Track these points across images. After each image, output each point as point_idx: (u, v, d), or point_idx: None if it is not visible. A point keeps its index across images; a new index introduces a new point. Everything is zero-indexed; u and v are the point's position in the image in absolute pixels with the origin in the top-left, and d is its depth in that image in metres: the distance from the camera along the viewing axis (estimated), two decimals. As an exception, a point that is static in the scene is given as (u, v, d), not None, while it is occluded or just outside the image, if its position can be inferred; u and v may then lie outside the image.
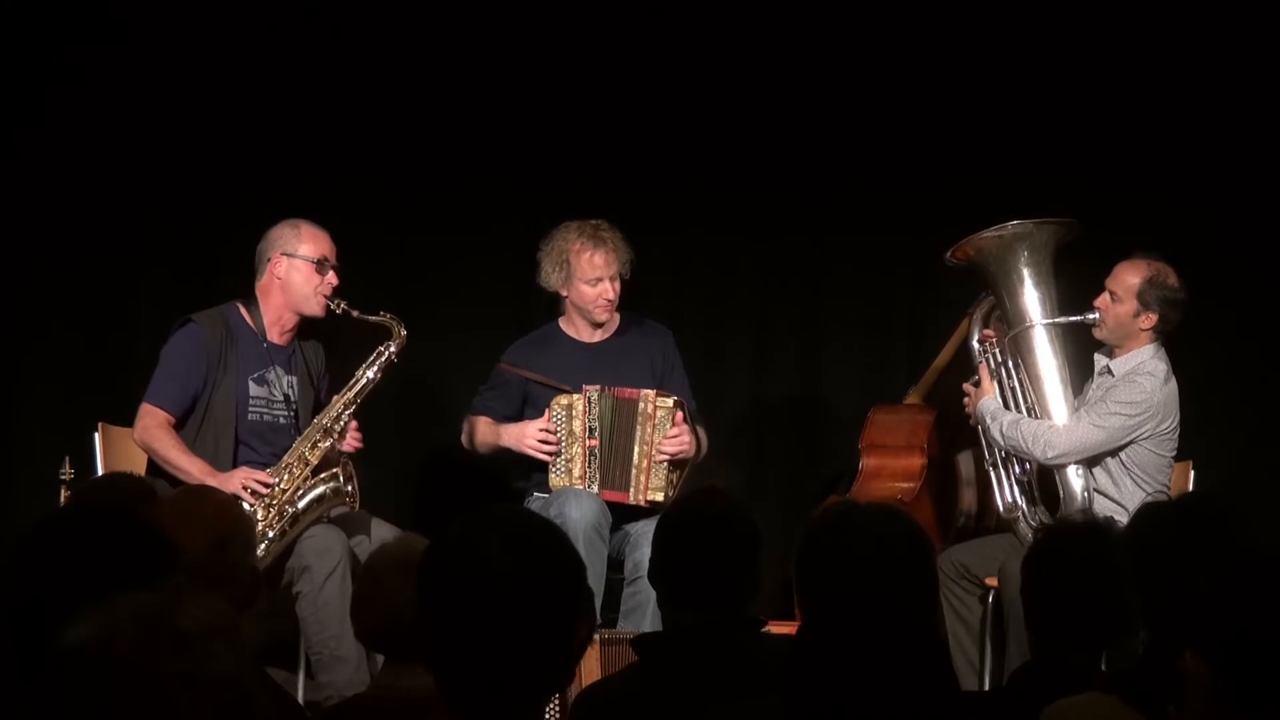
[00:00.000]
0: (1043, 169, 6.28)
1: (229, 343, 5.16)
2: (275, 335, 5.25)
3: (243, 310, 5.24)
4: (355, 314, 5.18)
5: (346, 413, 5.12)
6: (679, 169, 6.38)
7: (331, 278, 5.21)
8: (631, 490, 5.39)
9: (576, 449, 5.40)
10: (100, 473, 5.11)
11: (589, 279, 5.45)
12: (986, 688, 5.23)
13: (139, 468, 5.01)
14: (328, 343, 5.42)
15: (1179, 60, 6.24)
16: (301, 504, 5.01)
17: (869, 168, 6.40)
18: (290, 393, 5.24)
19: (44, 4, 6.02)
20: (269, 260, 5.23)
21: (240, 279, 5.48)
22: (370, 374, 5.15)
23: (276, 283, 5.22)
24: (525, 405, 5.53)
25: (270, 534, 4.95)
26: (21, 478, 5.92)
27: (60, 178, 6.05)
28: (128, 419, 5.26)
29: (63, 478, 5.07)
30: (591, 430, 5.39)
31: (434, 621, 2.30)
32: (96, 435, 5.24)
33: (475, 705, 2.27)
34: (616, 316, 5.61)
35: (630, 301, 5.60)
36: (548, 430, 5.39)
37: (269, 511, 4.97)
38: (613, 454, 5.41)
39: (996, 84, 6.31)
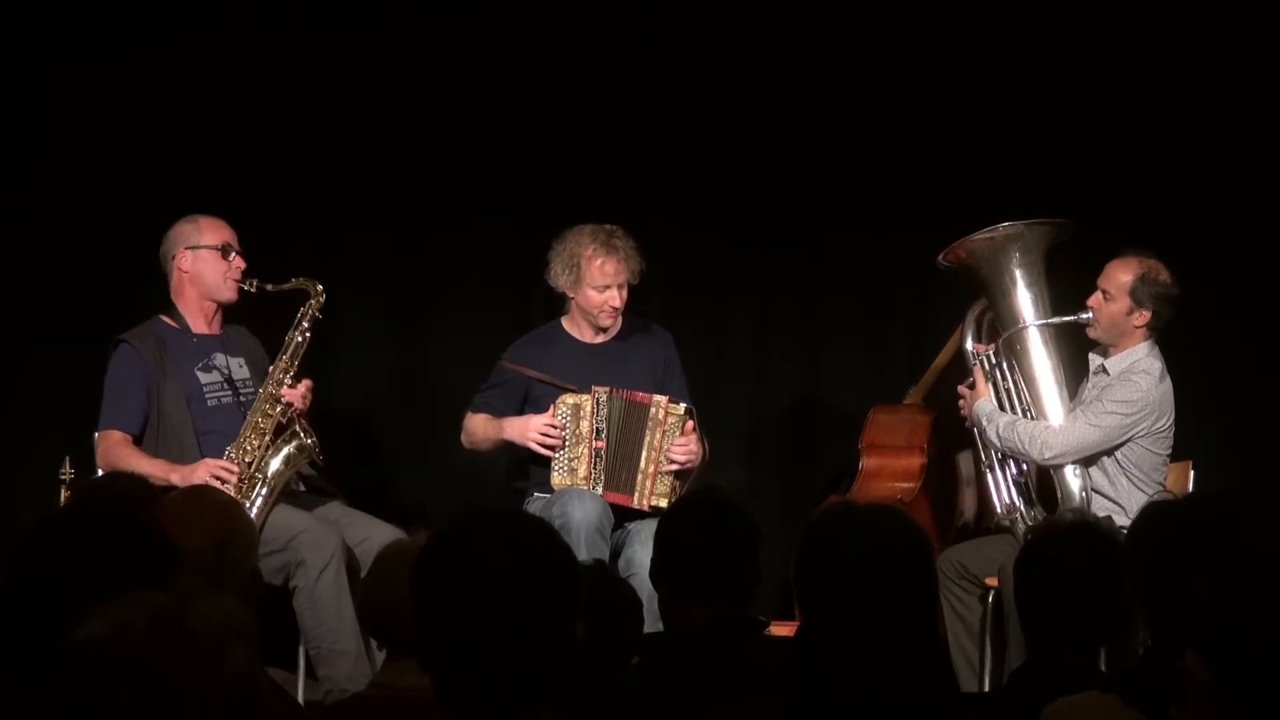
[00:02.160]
0: (1042, 168, 6.27)
1: (162, 351, 5.20)
2: (203, 327, 5.31)
3: (166, 320, 5.29)
4: (270, 287, 5.24)
5: (287, 376, 5.17)
6: (679, 169, 6.38)
7: (238, 261, 5.28)
8: (636, 494, 5.39)
9: (582, 449, 5.39)
10: (100, 473, 5.11)
11: (597, 285, 5.45)
12: (986, 688, 5.23)
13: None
14: (254, 329, 5.44)
15: (1175, 59, 6.24)
16: (271, 470, 5.08)
17: (869, 167, 6.40)
18: (238, 371, 5.29)
19: (44, 2, 6.02)
20: (174, 259, 5.29)
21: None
22: (299, 336, 5.22)
23: (186, 278, 5.28)
24: (526, 404, 5.52)
25: (253, 503, 5.00)
26: (21, 478, 5.92)
27: (61, 178, 6.05)
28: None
29: (63, 478, 5.08)
30: (599, 431, 5.39)
31: (430, 622, 2.30)
32: (96, 435, 5.24)
33: (471, 705, 2.27)
34: (620, 319, 5.61)
35: (631, 301, 5.60)
36: (552, 425, 5.39)
37: (241, 487, 5.01)
38: (619, 456, 5.41)
39: (996, 84, 6.31)
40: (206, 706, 1.86)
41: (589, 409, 5.39)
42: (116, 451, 5.10)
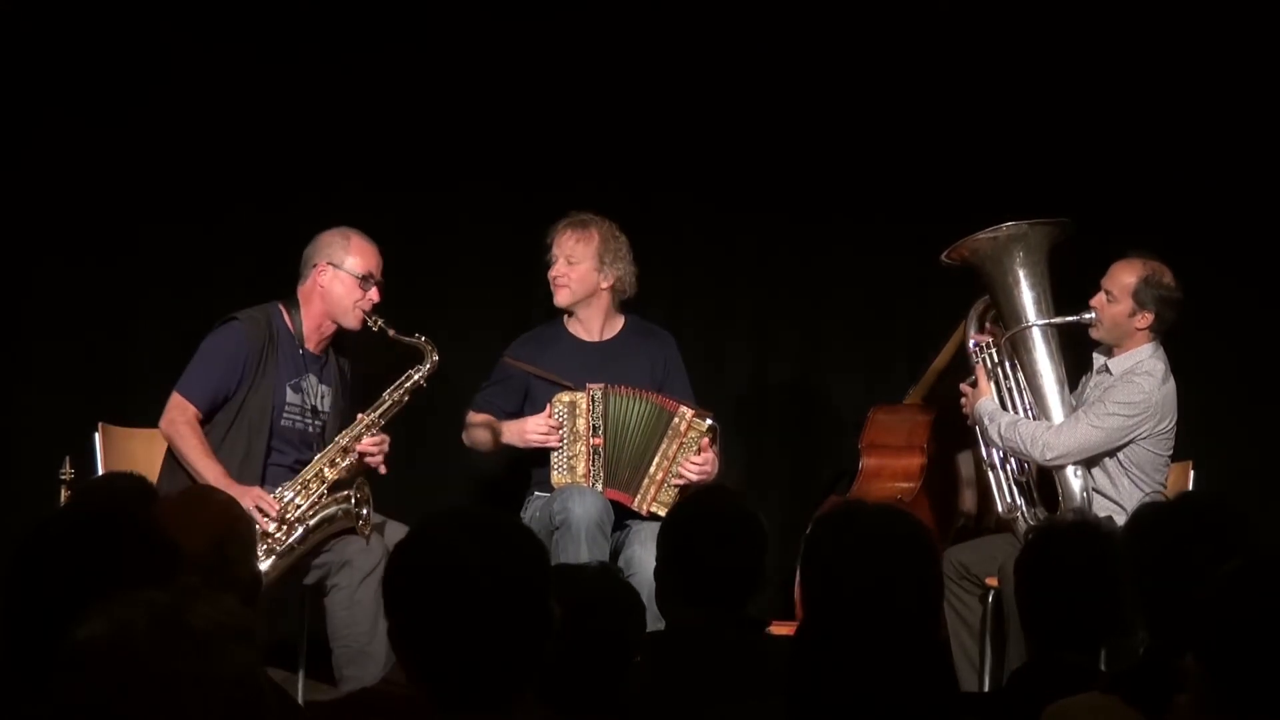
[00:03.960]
0: (1040, 168, 6.28)
1: (270, 346, 5.13)
2: (313, 343, 5.22)
3: (284, 312, 5.21)
4: (391, 333, 5.16)
5: (369, 434, 5.10)
6: (680, 169, 6.38)
7: (374, 294, 5.19)
8: (638, 498, 5.38)
9: (580, 447, 5.39)
10: (100, 473, 5.10)
11: (553, 256, 5.49)
12: (986, 688, 5.23)
13: (139, 467, 4.99)
14: (360, 355, 5.41)
15: (1179, 60, 6.24)
16: (312, 522, 4.98)
17: (869, 167, 6.40)
18: (321, 403, 5.22)
19: (44, 9, 6.02)
20: (314, 266, 5.20)
21: (238, 282, 5.48)
22: (397, 396, 5.15)
23: (319, 290, 5.20)
24: (526, 401, 5.52)
25: (279, 550, 4.93)
26: (21, 478, 5.92)
27: (61, 180, 6.05)
28: (128, 419, 5.25)
29: (63, 478, 5.06)
30: (595, 428, 5.39)
31: (411, 624, 2.30)
32: (96, 435, 5.24)
33: (461, 701, 2.27)
34: (621, 319, 5.61)
35: (632, 300, 5.61)
36: (548, 423, 5.38)
37: (281, 526, 4.94)
38: (620, 453, 5.39)
39: (993, 85, 6.32)
40: (207, 707, 1.86)
41: (585, 406, 5.39)
42: (183, 430, 5.01)
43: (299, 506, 4.98)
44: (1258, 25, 6.19)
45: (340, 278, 5.18)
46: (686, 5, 6.32)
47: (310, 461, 5.09)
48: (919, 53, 6.33)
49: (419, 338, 5.19)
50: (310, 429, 5.20)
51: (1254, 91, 6.25)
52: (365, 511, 4.99)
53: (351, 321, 5.19)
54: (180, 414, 5.06)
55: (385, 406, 5.14)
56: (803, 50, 6.36)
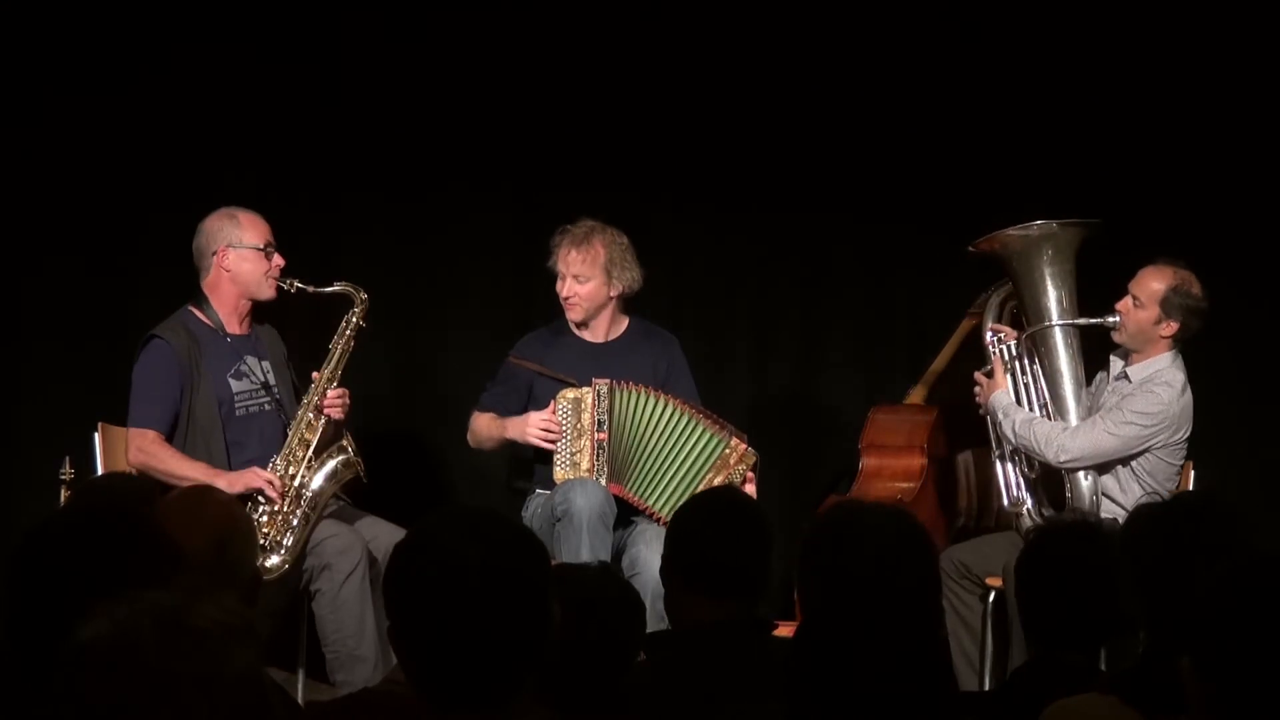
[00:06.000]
0: (1041, 169, 6.28)
1: (196, 348, 5.14)
2: (235, 326, 5.25)
3: (196, 312, 5.23)
4: (311, 290, 5.21)
5: (330, 387, 5.14)
6: (680, 169, 6.39)
7: (278, 259, 5.24)
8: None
9: (584, 442, 5.39)
10: (100, 473, 5.11)
11: (559, 272, 5.49)
12: (986, 688, 5.23)
13: (139, 468, 5.02)
14: (286, 323, 5.44)
15: (1199, 60, 6.22)
16: (316, 484, 5.04)
17: (869, 168, 6.40)
18: (268, 377, 5.25)
19: (44, 6, 6.02)
20: (214, 254, 5.23)
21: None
22: (343, 344, 5.19)
23: (226, 276, 5.22)
24: (529, 401, 5.53)
25: (295, 522, 4.97)
26: (21, 478, 5.92)
27: (61, 178, 6.05)
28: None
29: (63, 478, 5.07)
30: (600, 423, 5.39)
31: (410, 624, 2.30)
32: (96, 435, 5.24)
33: (461, 701, 2.27)
34: (625, 320, 5.62)
35: (632, 299, 5.61)
36: (551, 419, 5.39)
37: (287, 501, 4.98)
38: (626, 449, 5.39)
39: (997, 83, 6.32)
40: (211, 707, 1.86)
41: (590, 401, 5.39)
42: (152, 450, 5.03)
43: (295, 476, 5.03)
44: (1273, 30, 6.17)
45: (244, 255, 5.22)
46: (687, 4, 6.32)
47: (283, 435, 5.13)
48: (920, 55, 6.32)
49: (340, 284, 5.24)
50: (268, 406, 5.23)
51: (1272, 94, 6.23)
52: (358, 458, 5.10)
53: (268, 292, 5.23)
54: (142, 440, 5.08)
55: (336, 357, 5.18)
56: (805, 48, 6.36)
